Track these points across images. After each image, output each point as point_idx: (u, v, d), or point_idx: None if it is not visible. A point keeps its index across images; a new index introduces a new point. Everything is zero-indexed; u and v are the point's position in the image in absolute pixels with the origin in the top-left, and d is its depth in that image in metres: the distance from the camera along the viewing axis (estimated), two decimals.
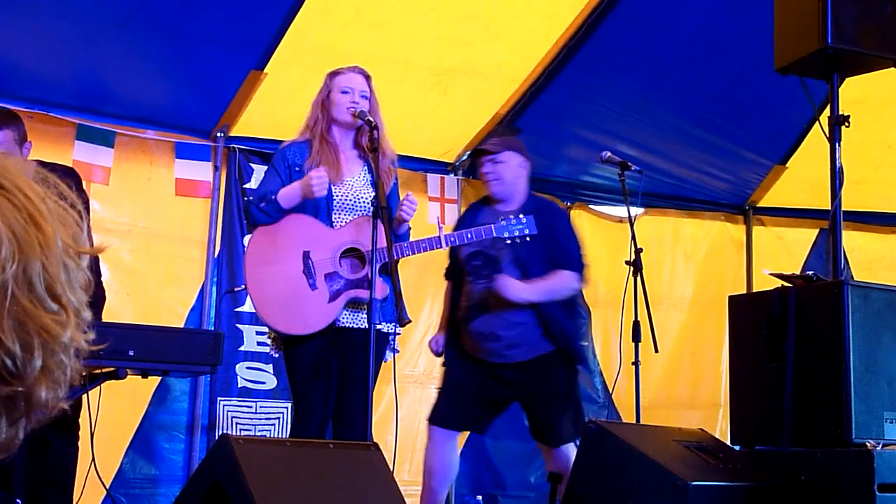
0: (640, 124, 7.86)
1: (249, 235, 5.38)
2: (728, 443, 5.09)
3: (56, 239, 1.09)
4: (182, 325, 6.91)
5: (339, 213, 5.10)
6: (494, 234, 5.21)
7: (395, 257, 4.92)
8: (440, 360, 5.58)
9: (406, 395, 7.59)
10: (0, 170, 1.08)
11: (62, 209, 1.12)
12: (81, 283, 1.13)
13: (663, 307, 8.27)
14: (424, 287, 7.96)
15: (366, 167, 5.15)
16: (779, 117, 7.90)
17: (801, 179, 8.43)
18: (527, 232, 5.25)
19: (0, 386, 1.05)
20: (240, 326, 7.28)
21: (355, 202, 5.10)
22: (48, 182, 1.13)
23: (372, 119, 5.00)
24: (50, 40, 6.41)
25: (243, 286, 5.07)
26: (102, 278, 6.51)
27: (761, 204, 8.91)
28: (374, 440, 4.44)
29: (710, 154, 8.28)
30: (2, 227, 1.04)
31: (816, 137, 5.67)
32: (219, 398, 7.14)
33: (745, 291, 8.26)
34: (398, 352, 5.29)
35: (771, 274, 5.32)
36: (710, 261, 8.90)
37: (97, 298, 5.14)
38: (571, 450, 5.40)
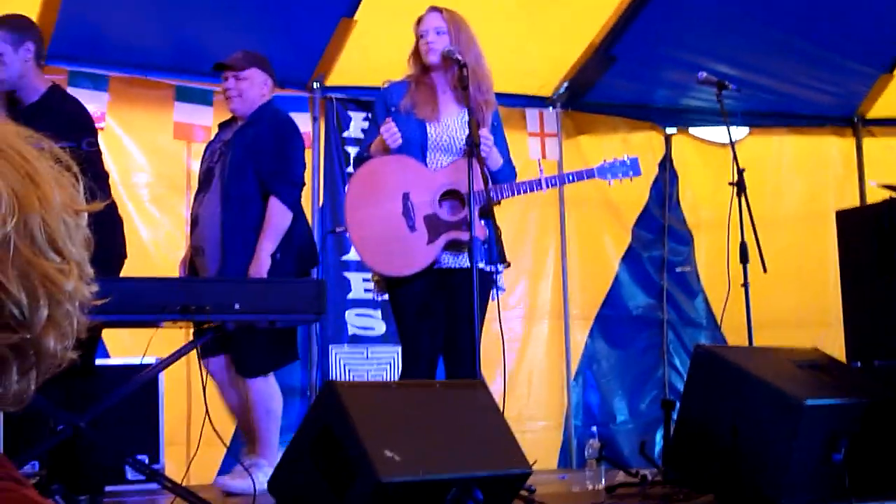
0: (739, 41, 7.66)
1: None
2: (844, 360, 5.00)
3: (54, 195, 1.14)
4: None
5: (435, 153, 5.10)
6: (597, 176, 5.22)
7: (496, 199, 4.94)
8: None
9: (512, 332, 7.62)
10: None
11: (58, 172, 1.18)
12: (82, 240, 1.18)
13: (771, 227, 8.13)
14: (528, 226, 7.98)
15: (465, 109, 5.12)
16: (883, 23, 7.65)
17: None
18: (631, 174, 5.23)
19: (9, 334, 1.10)
20: (347, 275, 7.36)
21: (450, 142, 5.10)
22: (43, 147, 1.18)
23: (460, 57, 4.97)
24: (141, 5, 6.50)
25: (344, 227, 5.10)
26: None
27: (870, 115, 8.67)
28: (484, 378, 4.46)
29: (813, 66, 8.04)
30: (1, 184, 1.10)
31: None
32: (330, 346, 7.25)
33: (857, 206, 8.06)
34: (504, 290, 5.29)
35: (880, 185, 5.20)
36: (819, 177, 8.70)
37: (116, 257, 5.16)
38: (262, 384, 5.41)
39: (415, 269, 5.00)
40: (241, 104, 5.57)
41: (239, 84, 5.56)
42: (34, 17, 5.74)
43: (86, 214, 1.19)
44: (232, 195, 5.36)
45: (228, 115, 5.77)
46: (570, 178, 5.33)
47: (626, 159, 5.27)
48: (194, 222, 5.55)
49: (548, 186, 5.17)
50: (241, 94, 5.56)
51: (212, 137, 5.97)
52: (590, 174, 5.25)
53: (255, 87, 5.58)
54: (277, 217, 5.35)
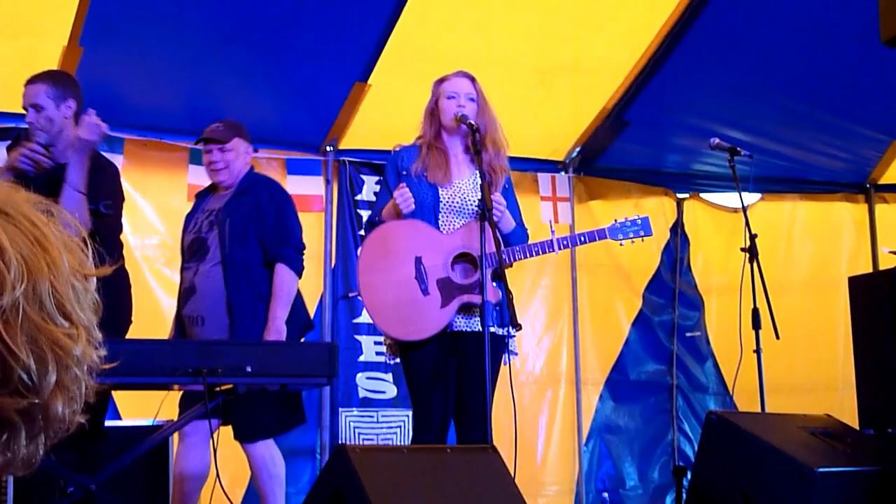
0: (751, 108, 7.71)
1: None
2: (856, 427, 4.97)
3: (63, 261, 1.15)
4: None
5: (447, 216, 5.10)
6: (609, 237, 5.21)
7: (508, 262, 4.94)
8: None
9: (524, 397, 7.60)
10: (6, 199, 1.15)
11: (67, 236, 1.19)
12: (90, 305, 1.19)
13: (782, 292, 8.12)
14: (540, 291, 7.99)
15: (477, 171, 5.14)
16: (894, 91, 7.68)
17: None
18: (643, 234, 5.22)
19: (17, 399, 1.10)
20: (358, 337, 7.37)
21: (462, 205, 5.10)
22: (52, 212, 1.19)
23: (473, 122, 5.00)
24: (157, 68, 6.56)
25: (357, 292, 5.10)
26: None
27: (883, 181, 8.68)
28: (495, 443, 4.44)
29: (826, 133, 8.08)
30: (11, 250, 1.10)
31: None
32: (340, 409, 7.23)
33: (869, 272, 8.05)
34: (517, 354, 5.28)
35: (892, 252, 5.20)
36: (831, 243, 8.71)
37: (123, 321, 5.15)
38: (263, 449, 5.35)
39: (428, 333, 4.99)
40: (228, 175, 5.58)
41: (225, 156, 5.58)
42: None
43: (94, 278, 1.20)
44: (236, 264, 5.36)
45: None
46: (582, 238, 5.30)
47: (637, 219, 5.25)
48: (189, 293, 5.49)
49: (560, 248, 5.15)
50: (227, 165, 5.58)
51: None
52: (601, 235, 5.23)
53: (241, 156, 5.61)
54: (287, 284, 5.36)
